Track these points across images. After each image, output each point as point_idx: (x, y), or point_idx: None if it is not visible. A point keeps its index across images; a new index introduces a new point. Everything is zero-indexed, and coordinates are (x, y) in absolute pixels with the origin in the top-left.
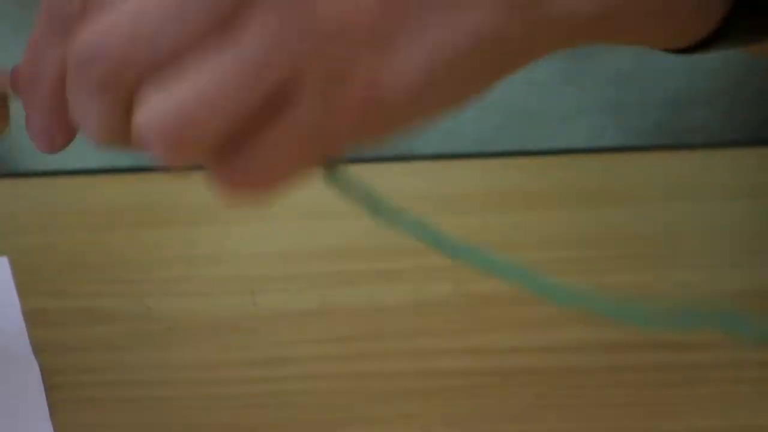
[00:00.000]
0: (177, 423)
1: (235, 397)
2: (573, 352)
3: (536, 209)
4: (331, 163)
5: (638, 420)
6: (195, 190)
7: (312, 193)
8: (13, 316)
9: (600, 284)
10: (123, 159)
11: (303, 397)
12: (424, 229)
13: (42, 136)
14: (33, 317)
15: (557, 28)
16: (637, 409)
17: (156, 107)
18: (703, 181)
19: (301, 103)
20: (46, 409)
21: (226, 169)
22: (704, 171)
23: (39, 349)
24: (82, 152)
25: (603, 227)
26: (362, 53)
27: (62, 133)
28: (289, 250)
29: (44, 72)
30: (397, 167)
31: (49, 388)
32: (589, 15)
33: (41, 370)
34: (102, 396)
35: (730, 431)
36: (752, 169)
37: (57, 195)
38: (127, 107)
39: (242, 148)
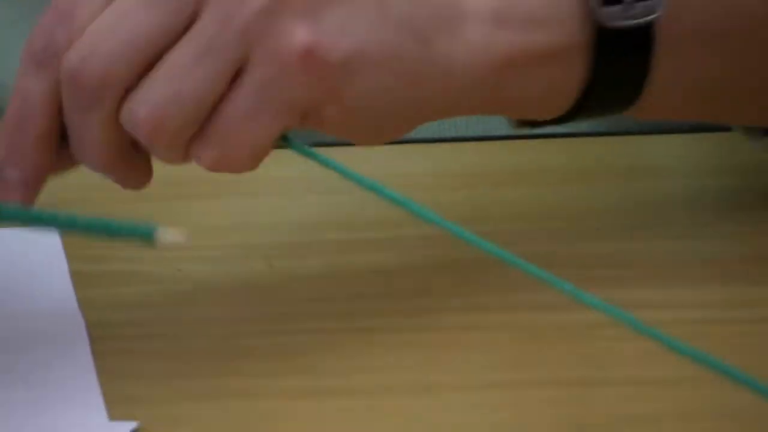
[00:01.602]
0: (206, 369)
1: (254, 347)
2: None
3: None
4: (292, 137)
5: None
6: None
7: (321, 170)
8: (62, 277)
9: (569, 254)
10: None
11: (315, 347)
12: (383, 189)
13: (20, 188)
14: (79, 279)
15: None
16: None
17: (135, 107)
18: (662, 163)
19: (252, 71)
20: (91, 358)
21: (201, 146)
22: (663, 153)
23: (85, 306)
24: None
25: (572, 202)
26: (300, 22)
27: (38, 182)
28: (301, 221)
29: (32, 111)
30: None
31: (93, 340)
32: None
33: (86, 324)
34: (139, 348)
35: None
36: (705, 153)
37: None
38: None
39: (211, 125)
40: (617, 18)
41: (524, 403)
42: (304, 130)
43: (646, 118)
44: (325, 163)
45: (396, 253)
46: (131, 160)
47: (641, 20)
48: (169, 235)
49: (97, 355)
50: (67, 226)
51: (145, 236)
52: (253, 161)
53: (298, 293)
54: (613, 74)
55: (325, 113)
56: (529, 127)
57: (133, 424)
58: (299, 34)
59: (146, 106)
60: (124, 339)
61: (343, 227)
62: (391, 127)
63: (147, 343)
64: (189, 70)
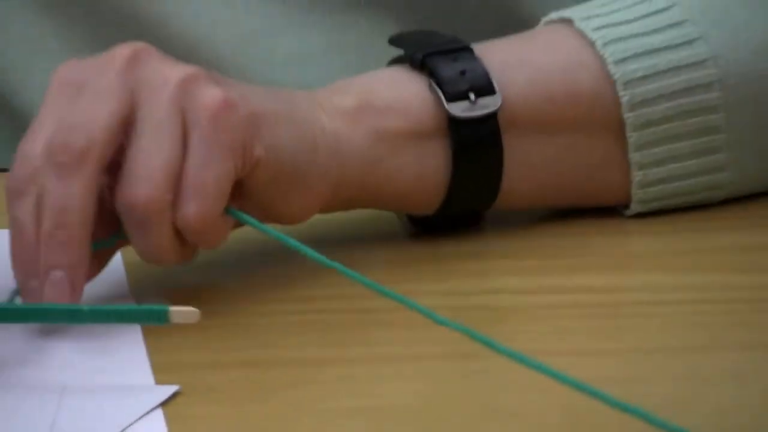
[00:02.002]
0: (238, 342)
1: (279, 323)
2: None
3: None
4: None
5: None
6: None
7: None
8: (117, 267)
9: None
10: None
11: (323, 325)
12: (306, 249)
13: (68, 289)
14: (130, 267)
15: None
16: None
17: (125, 192)
18: None
19: (193, 130)
20: (140, 332)
21: (182, 206)
22: None
23: (135, 288)
24: None
25: None
26: (212, 86)
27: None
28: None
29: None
30: None
31: None
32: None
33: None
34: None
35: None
36: None
37: None
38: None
39: (183, 185)
40: (463, 111)
41: (494, 370)
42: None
43: (508, 206)
44: (260, 228)
45: (385, 253)
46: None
47: (482, 112)
48: (181, 315)
49: (146, 329)
50: (88, 318)
51: (159, 317)
52: (220, 208)
53: (311, 282)
54: (473, 158)
55: (255, 153)
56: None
57: (174, 388)
58: (214, 92)
59: (136, 188)
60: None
61: (348, 241)
62: (305, 183)
63: (204, 313)
64: (150, 152)
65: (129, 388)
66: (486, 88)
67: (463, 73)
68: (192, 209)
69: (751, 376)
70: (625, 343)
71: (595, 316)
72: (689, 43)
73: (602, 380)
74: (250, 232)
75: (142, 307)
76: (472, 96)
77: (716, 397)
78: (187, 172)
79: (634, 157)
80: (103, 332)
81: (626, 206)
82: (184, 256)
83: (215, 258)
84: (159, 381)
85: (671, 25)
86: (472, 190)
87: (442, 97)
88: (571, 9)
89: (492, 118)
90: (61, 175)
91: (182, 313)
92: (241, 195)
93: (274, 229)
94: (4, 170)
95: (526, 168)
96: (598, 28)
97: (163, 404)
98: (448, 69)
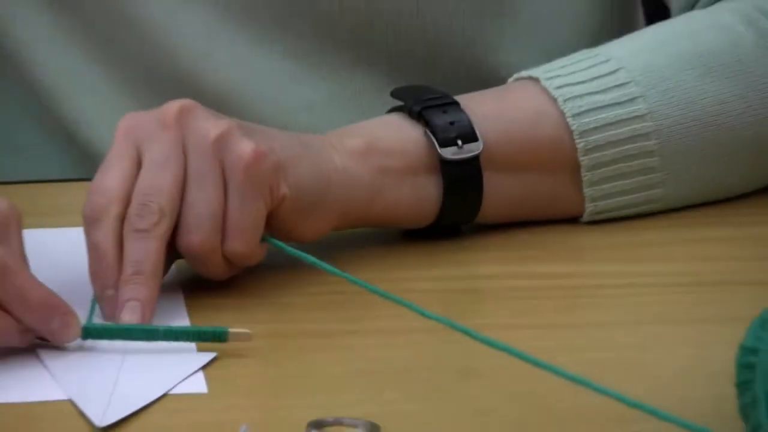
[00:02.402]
0: (265, 314)
1: (298, 301)
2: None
3: None
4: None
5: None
6: None
7: None
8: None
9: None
10: None
11: (335, 303)
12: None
13: (142, 310)
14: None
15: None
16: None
17: (186, 239)
18: None
19: (231, 179)
20: (183, 303)
21: (228, 243)
22: None
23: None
24: None
25: None
26: (243, 139)
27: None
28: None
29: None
30: None
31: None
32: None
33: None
34: (221, 299)
35: None
36: None
37: None
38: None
39: (227, 226)
40: (453, 154)
41: (468, 341)
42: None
43: (484, 222)
44: (290, 252)
45: (383, 248)
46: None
47: (467, 155)
48: (237, 336)
49: (189, 306)
50: (162, 337)
51: (220, 337)
52: (258, 239)
53: (324, 273)
54: (459, 191)
55: (281, 192)
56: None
57: (213, 354)
58: (246, 145)
59: (192, 235)
60: (211, 290)
61: (354, 240)
62: (323, 210)
63: (224, 297)
64: (198, 203)
65: (177, 355)
66: (470, 136)
67: (452, 123)
68: (236, 245)
69: (682, 346)
70: (580, 318)
71: (556, 297)
72: (631, 100)
73: (561, 348)
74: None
75: (206, 329)
76: (459, 142)
77: (651, 362)
78: (229, 215)
79: (588, 192)
80: (156, 312)
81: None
82: (232, 272)
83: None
84: (200, 349)
85: (617, 86)
86: (457, 214)
87: (436, 143)
88: (536, 69)
89: (475, 159)
90: (138, 237)
91: (238, 333)
92: (270, 224)
93: (299, 250)
94: (52, 180)
95: (500, 198)
96: (560, 87)
97: (204, 367)
98: (440, 120)
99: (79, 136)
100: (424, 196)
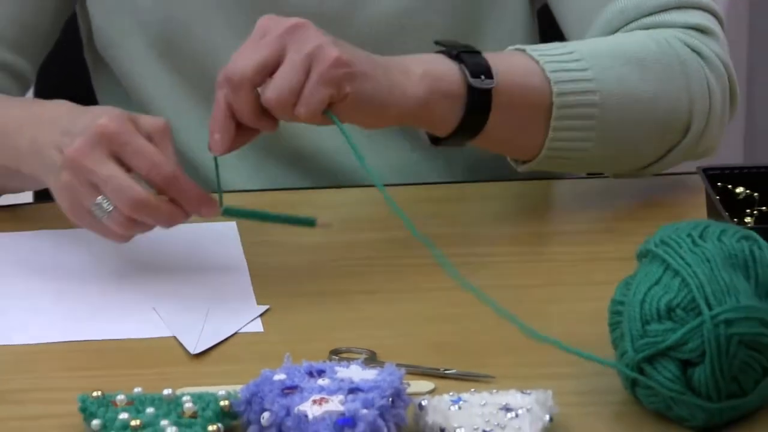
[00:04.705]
0: (309, 282)
1: (338, 273)
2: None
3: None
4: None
5: None
6: None
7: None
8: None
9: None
10: None
11: (360, 276)
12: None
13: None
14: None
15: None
16: None
17: (266, 93)
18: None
19: (315, 65)
20: (246, 268)
21: (302, 102)
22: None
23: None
24: None
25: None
26: (334, 48)
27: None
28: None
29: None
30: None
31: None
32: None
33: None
34: (279, 267)
35: None
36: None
37: None
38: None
39: (303, 91)
40: (477, 84)
41: (455, 296)
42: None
43: (480, 144)
44: (349, 141)
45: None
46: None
47: (487, 86)
48: (323, 222)
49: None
50: (269, 218)
51: (309, 223)
52: (320, 112)
53: (356, 250)
54: (475, 110)
55: (344, 90)
56: (433, 145)
57: (266, 307)
58: (333, 51)
59: (272, 92)
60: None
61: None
62: (377, 113)
63: (282, 267)
64: (288, 73)
65: (243, 306)
66: (488, 74)
67: (476, 63)
68: (301, 110)
69: (575, 301)
70: (524, 281)
71: (526, 261)
72: (583, 71)
73: (511, 300)
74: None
75: (300, 216)
76: (482, 77)
77: (559, 310)
78: (307, 84)
79: (553, 124)
80: (230, 280)
81: (524, 162)
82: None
83: (298, 238)
84: (259, 303)
85: (575, 60)
86: (470, 128)
87: (468, 75)
88: (522, 46)
89: (490, 91)
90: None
91: (322, 223)
92: (338, 108)
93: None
94: None
95: (498, 122)
96: (540, 55)
97: (261, 315)
98: (471, 60)
99: None
100: (453, 111)
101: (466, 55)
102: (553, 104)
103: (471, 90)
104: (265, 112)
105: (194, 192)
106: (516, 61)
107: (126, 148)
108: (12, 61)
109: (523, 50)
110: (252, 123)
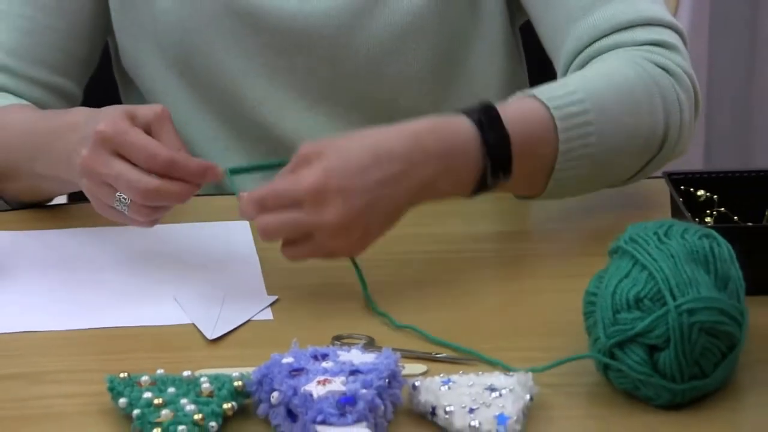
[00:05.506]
0: (318, 272)
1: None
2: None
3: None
4: None
5: None
6: None
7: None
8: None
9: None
10: None
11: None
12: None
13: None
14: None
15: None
16: None
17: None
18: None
19: (316, 239)
20: (257, 262)
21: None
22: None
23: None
24: None
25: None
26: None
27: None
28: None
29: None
30: None
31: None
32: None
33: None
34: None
35: None
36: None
37: None
38: None
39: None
40: (493, 183)
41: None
42: None
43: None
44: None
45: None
46: None
47: (502, 180)
48: None
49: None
50: (272, 166)
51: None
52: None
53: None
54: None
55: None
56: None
57: (274, 297)
58: (334, 242)
59: (276, 234)
60: (279, 254)
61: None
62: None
63: (290, 262)
64: (291, 233)
65: (255, 297)
66: (508, 170)
67: (499, 154)
68: (288, 256)
69: (552, 292)
70: (508, 274)
71: (509, 257)
72: (585, 113)
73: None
74: None
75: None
76: (501, 174)
77: (542, 301)
78: (297, 251)
79: (556, 168)
80: (243, 274)
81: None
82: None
83: None
84: (269, 294)
85: (580, 102)
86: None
87: (489, 173)
88: (533, 90)
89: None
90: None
91: None
92: None
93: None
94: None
95: (506, 188)
96: (556, 109)
97: (271, 305)
98: (495, 150)
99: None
100: (467, 187)
101: (494, 152)
102: (557, 159)
103: (484, 184)
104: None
105: (195, 166)
106: (535, 129)
107: (124, 147)
108: (61, 84)
109: (541, 101)
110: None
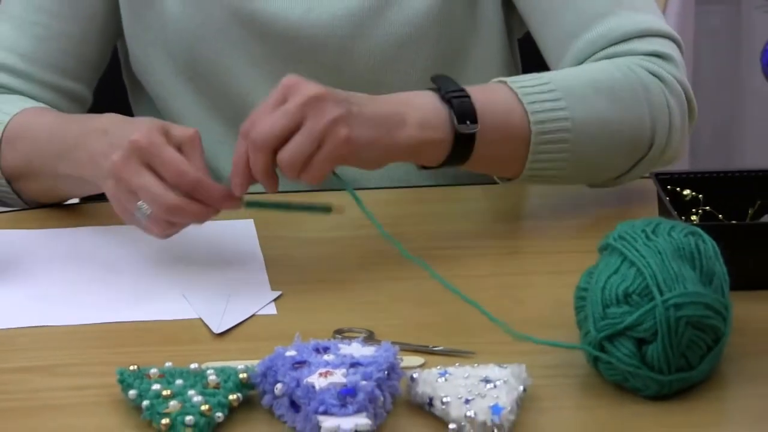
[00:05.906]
0: (322, 269)
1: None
2: None
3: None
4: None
5: None
6: None
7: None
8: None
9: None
10: None
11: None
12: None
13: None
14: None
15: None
16: None
17: (281, 156)
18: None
19: (329, 136)
20: (262, 259)
21: (292, 145)
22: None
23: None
24: None
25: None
26: (337, 107)
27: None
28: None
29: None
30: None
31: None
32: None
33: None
34: (293, 255)
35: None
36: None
37: None
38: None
39: (313, 156)
40: (463, 129)
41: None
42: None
43: (466, 168)
44: (353, 195)
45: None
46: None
47: (472, 131)
48: (338, 208)
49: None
50: (288, 208)
51: (325, 210)
52: (325, 173)
53: (358, 245)
54: (459, 152)
55: (348, 162)
56: (423, 169)
57: (279, 293)
58: (345, 130)
59: (286, 156)
60: (288, 247)
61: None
62: (373, 166)
63: (293, 258)
64: (302, 144)
65: (259, 292)
66: (474, 118)
67: (463, 108)
68: (307, 178)
69: (547, 287)
70: (502, 270)
71: (503, 254)
72: (557, 100)
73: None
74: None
75: (317, 205)
76: (468, 122)
77: (530, 294)
78: (313, 162)
79: (532, 150)
80: (248, 270)
81: (507, 179)
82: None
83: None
84: (273, 289)
85: (550, 91)
86: (455, 161)
87: (455, 120)
88: (504, 78)
89: (474, 135)
90: (251, 149)
91: (337, 206)
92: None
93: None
94: None
95: (481, 156)
96: (520, 87)
97: (274, 300)
98: (459, 105)
99: None
100: (440, 151)
101: (456, 100)
102: (531, 133)
103: (457, 136)
104: (272, 174)
105: (217, 192)
106: (498, 98)
107: (156, 160)
108: (72, 87)
109: (505, 82)
110: (259, 179)
